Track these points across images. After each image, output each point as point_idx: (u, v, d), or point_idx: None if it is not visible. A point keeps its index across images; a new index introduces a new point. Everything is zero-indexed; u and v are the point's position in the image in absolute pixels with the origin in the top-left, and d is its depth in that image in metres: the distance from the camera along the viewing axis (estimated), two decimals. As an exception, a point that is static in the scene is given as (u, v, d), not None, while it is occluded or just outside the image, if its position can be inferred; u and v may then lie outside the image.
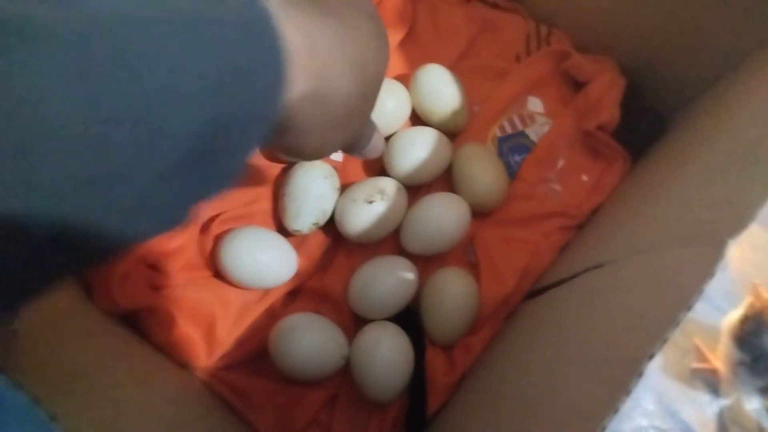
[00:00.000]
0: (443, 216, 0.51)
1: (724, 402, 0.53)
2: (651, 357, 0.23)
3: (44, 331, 0.34)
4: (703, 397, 0.54)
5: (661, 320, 0.24)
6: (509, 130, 0.58)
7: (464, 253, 0.54)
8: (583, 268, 0.39)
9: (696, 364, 0.55)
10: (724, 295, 0.57)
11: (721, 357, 0.54)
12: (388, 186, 0.51)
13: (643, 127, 0.56)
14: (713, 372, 0.54)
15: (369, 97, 0.33)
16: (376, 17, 0.33)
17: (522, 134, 0.58)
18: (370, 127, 0.40)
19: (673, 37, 0.53)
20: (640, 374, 0.23)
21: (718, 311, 0.56)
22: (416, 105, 0.56)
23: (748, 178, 0.29)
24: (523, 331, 0.45)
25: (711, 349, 0.56)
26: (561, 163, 0.57)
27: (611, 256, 0.36)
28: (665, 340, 0.24)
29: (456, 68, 0.58)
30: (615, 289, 0.31)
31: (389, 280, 0.50)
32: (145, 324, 0.46)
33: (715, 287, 0.58)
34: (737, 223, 0.25)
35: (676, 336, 0.56)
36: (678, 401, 0.54)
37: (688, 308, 0.24)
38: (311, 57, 0.27)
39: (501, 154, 0.57)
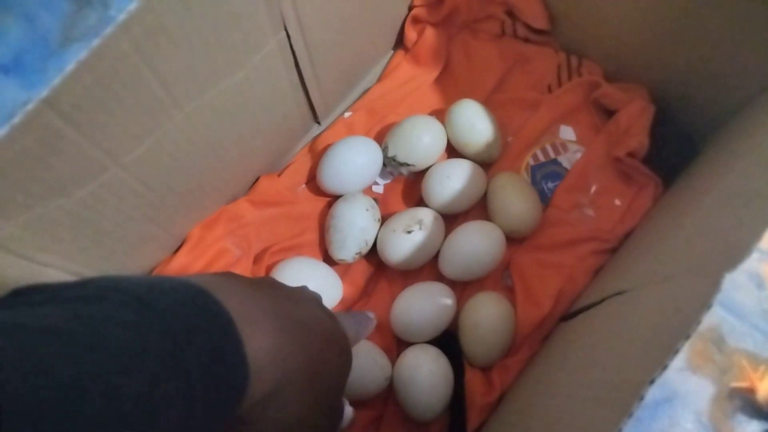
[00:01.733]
0: (479, 243, 0.54)
1: (765, 421, 0.54)
2: (652, 382, 0.26)
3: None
4: (742, 416, 0.55)
5: (664, 348, 0.27)
6: (542, 158, 0.60)
7: (501, 277, 0.57)
8: (609, 293, 0.42)
9: (735, 383, 0.56)
10: (762, 313, 0.57)
11: (760, 375, 0.55)
12: (425, 216, 0.55)
13: (674, 151, 0.57)
14: (752, 391, 0.55)
15: (323, 407, 0.33)
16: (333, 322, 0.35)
17: (555, 162, 0.60)
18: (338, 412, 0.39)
19: (702, 61, 0.54)
20: (641, 398, 0.26)
21: (757, 330, 0.57)
22: (452, 138, 0.59)
23: (752, 210, 0.31)
24: (556, 353, 0.47)
25: (753, 369, 0.56)
26: (594, 188, 0.59)
27: (633, 284, 0.38)
28: (665, 367, 0.26)
29: (490, 101, 0.61)
30: (631, 316, 0.33)
31: (428, 305, 0.53)
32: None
33: (752, 306, 0.58)
34: (736, 256, 0.28)
35: (715, 355, 0.57)
36: (718, 420, 0.55)
37: (687, 337, 0.26)
38: (275, 360, 0.28)
39: (534, 181, 0.59)
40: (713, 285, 0.27)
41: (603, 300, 0.42)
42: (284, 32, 0.44)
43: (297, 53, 0.48)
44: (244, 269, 0.54)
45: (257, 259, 0.56)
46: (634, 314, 0.33)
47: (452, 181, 0.56)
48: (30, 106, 0.29)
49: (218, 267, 0.53)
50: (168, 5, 0.32)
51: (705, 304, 0.27)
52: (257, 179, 0.58)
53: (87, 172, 0.36)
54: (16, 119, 0.29)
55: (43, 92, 0.29)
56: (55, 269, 0.40)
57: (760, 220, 0.29)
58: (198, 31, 0.36)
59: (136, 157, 0.39)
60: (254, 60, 0.43)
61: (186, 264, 0.52)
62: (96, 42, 0.30)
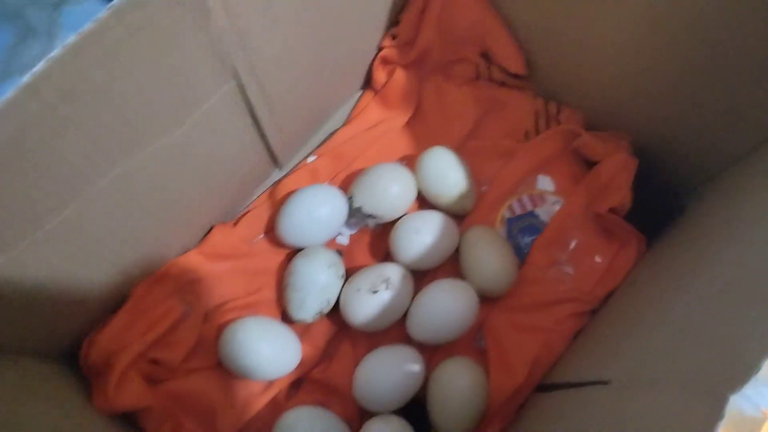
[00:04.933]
0: (450, 304, 0.50)
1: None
2: None
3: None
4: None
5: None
6: (518, 211, 0.56)
7: (473, 339, 0.53)
8: (592, 377, 0.38)
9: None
10: None
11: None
12: (393, 274, 0.50)
13: (658, 206, 0.54)
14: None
15: None
16: None
17: (532, 214, 0.56)
18: None
19: (690, 114, 0.51)
20: None
21: None
22: (422, 188, 0.55)
23: (756, 314, 0.27)
24: (533, 430, 0.43)
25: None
26: (573, 244, 0.55)
27: (615, 375, 0.34)
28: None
29: (463, 148, 0.57)
30: (619, 420, 0.29)
31: (394, 372, 0.49)
32: (145, 422, 0.46)
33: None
34: (740, 374, 0.24)
35: None
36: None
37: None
38: None
39: (510, 236, 0.56)
40: (716, 410, 0.23)
41: (584, 384, 0.38)
42: (234, 81, 0.40)
43: (252, 101, 0.43)
44: (192, 328, 0.49)
45: (208, 318, 0.51)
46: (622, 418, 0.29)
47: (422, 235, 0.52)
48: None
49: (163, 327, 0.48)
50: (88, 62, 0.27)
51: (708, 433, 0.23)
52: (210, 229, 0.54)
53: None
54: None
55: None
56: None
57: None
58: (128, 88, 0.31)
59: (50, 229, 0.34)
60: (194, 116, 0.38)
61: (125, 326, 0.46)
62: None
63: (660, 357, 0.31)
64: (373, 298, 0.50)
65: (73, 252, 0.38)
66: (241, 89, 0.41)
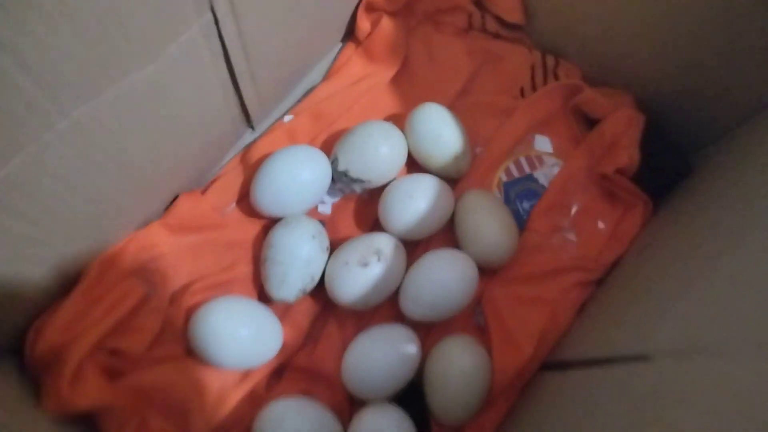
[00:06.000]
0: (448, 277, 0.45)
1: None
2: None
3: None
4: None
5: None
6: (516, 174, 0.52)
7: (471, 315, 0.48)
8: (622, 352, 0.34)
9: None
10: None
11: None
12: (384, 245, 0.45)
13: (666, 167, 0.50)
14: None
15: None
16: None
17: (530, 178, 0.52)
18: None
19: (698, 68, 0.47)
20: None
21: None
22: (413, 149, 0.50)
23: None
24: (550, 416, 0.39)
25: None
26: (575, 209, 0.51)
27: (658, 347, 0.30)
28: None
29: (456, 106, 0.52)
30: (681, 404, 0.25)
31: (387, 354, 0.44)
32: (105, 423, 0.39)
33: None
34: None
35: None
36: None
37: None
38: None
39: (508, 200, 0.51)
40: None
41: (614, 360, 0.34)
42: (211, 14, 0.33)
43: (226, 42, 0.37)
44: (156, 312, 0.43)
45: (174, 299, 0.44)
46: (686, 401, 0.25)
47: (415, 201, 0.46)
48: None
49: (122, 312, 0.41)
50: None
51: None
52: (175, 198, 0.47)
53: None
54: None
55: None
56: None
57: None
58: (88, 11, 0.24)
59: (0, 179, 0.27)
60: (169, 49, 0.32)
61: (78, 311, 0.40)
62: None
63: (715, 318, 0.27)
64: (362, 272, 0.44)
65: (12, 221, 0.31)
66: (217, 25, 0.34)
